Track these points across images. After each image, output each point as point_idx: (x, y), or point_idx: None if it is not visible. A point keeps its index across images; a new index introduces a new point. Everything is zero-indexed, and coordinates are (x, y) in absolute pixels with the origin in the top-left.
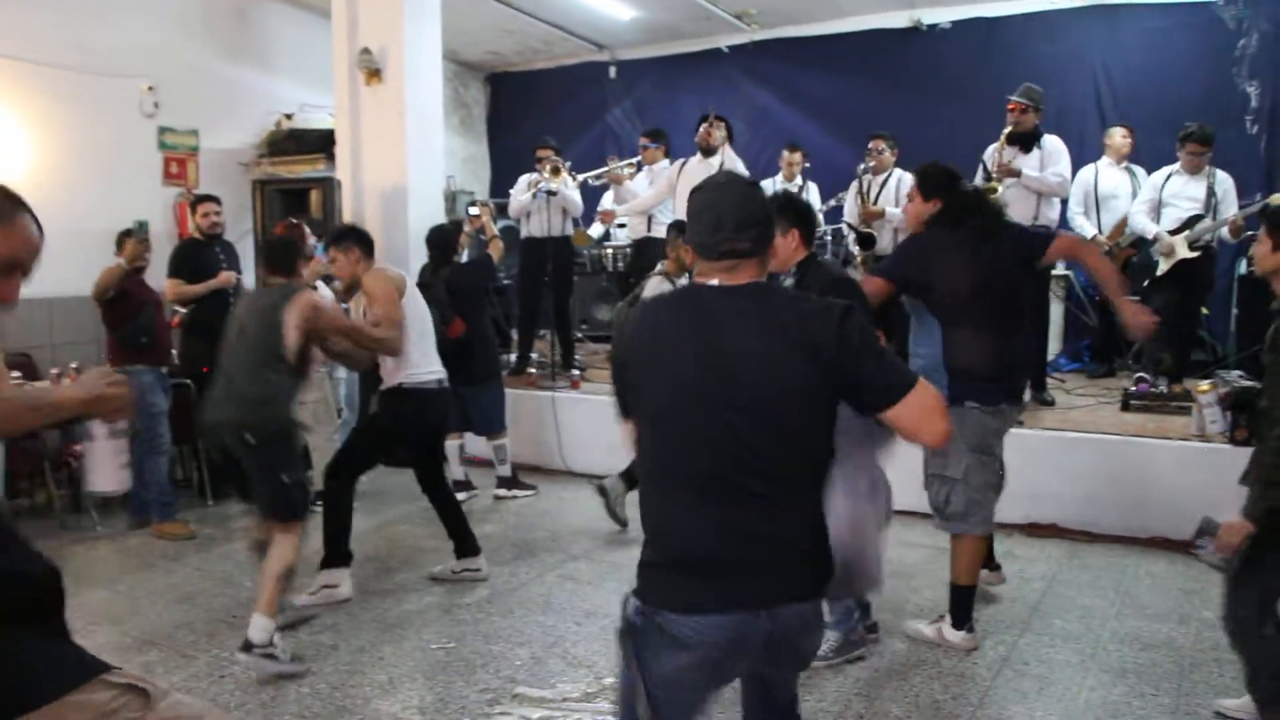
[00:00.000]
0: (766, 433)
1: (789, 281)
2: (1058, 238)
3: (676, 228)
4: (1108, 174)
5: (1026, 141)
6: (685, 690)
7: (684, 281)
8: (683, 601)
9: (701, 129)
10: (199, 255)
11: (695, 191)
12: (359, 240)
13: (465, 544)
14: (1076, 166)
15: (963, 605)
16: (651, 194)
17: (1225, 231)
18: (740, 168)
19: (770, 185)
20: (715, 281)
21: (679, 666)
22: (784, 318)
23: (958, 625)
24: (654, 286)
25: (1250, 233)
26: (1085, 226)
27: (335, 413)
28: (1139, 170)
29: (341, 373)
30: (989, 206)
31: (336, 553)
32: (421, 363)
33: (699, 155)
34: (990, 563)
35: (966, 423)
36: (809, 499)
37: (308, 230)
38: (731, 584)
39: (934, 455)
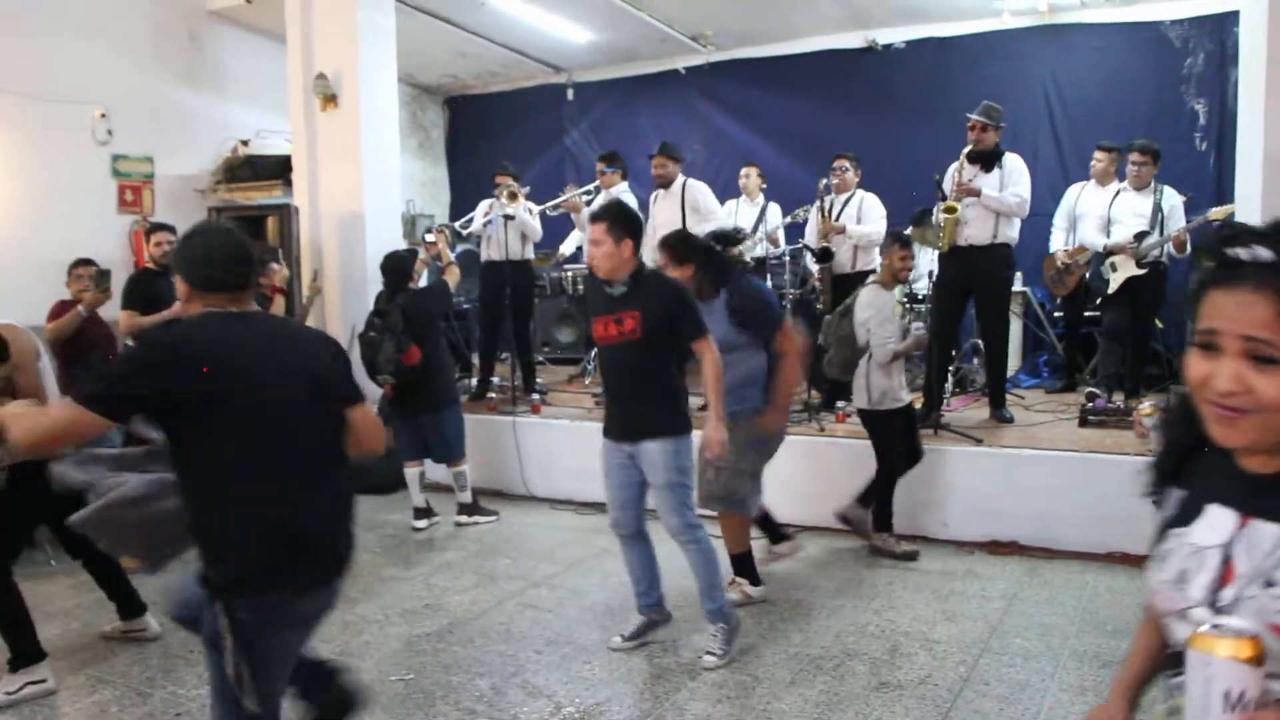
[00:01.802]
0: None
1: (622, 291)
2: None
3: (895, 238)
4: (1090, 195)
5: (988, 160)
6: (289, 661)
7: (897, 292)
8: (304, 582)
9: (652, 166)
10: (153, 285)
11: (189, 236)
12: None
13: (130, 604)
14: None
15: (749, 565)
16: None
17: (1171, 247)
18: (704, 195)
19: (733, 206)
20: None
21: (293, 641)
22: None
23: (755, 583)
24: (869, 295)
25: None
26: (1060, 243)
27: None
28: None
29: None
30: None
31: (21, 651)
32: None
33: (661, 190)
34: (778, 534)
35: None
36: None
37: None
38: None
39: (732, 449)
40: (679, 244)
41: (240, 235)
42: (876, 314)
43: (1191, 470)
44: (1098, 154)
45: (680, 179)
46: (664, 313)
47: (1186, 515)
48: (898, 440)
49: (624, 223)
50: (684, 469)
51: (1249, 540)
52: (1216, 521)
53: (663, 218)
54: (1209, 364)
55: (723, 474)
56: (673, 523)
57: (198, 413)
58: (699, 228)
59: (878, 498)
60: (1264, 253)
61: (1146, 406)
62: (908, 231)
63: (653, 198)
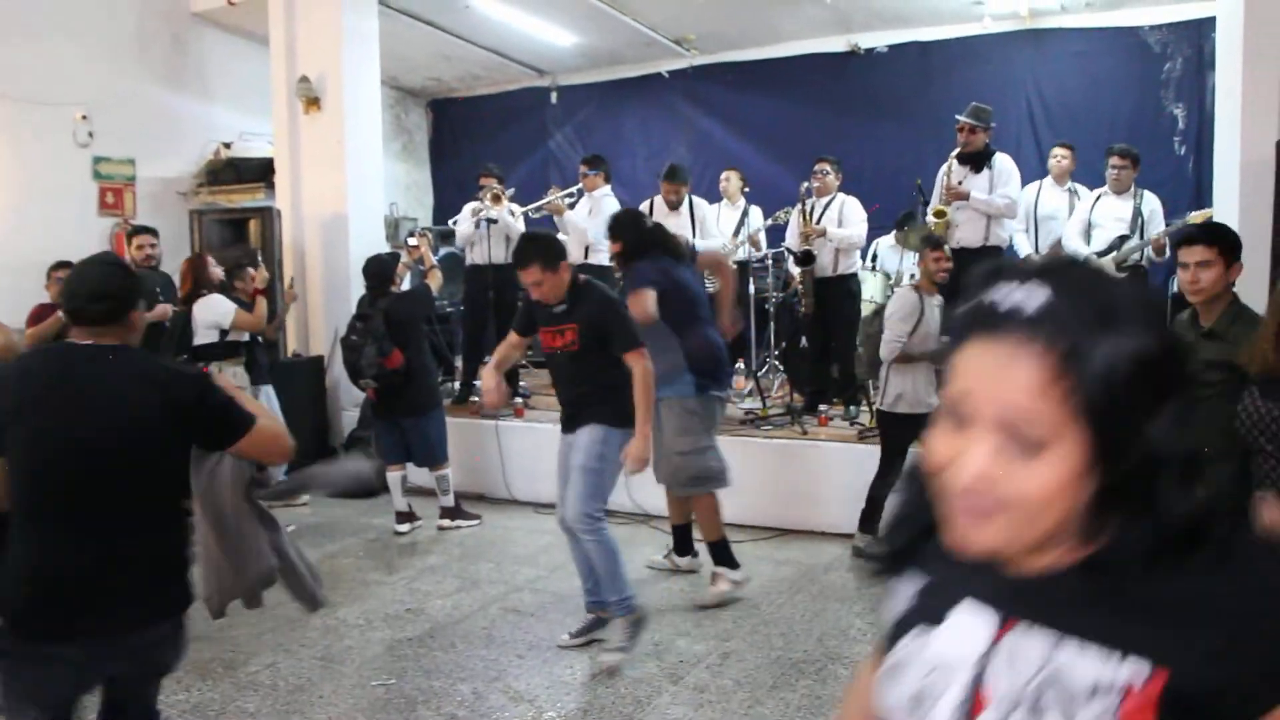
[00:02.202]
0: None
1: (562, 308)
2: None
3: (925, 240)
4: (1048, 194)
5: (977, 161)
6: (46, 701)
7: (938, 298)
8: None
9: (663, 191)
10: None
11: (73, 266)
12: None
13: None
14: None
15: (727, 553)
16: (596, 225)
17: (1151, 251)
18: (710, 216)
19: (715, 210)
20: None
21: (50, 683)
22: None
23: (734, 566)
24: (898, 294)
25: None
26: (1024, 245)
27: None
28: (1083, 190)
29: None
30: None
31: None
32: None
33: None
34: (686, 547)
35: (711, 407)
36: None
37: (211, 261)
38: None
39: (685, 435)
40: (615, 223)
41: (116, 269)
42: (897, 312)
43: (933, 548)
44: (1059, 151)
45: (686, 198)
46: (597, 327)
47: (927, 611)
48: (904, 447)
49: (551, 254)
50: (604, 458)
51: (1010, 653)
52: (967, 625)
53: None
54: (955, 441)
55: (689, 457)
56: (575, 509)
57: None
58: (703, 244)
59: (868, 497)
60: (1031, 299)
61: None
62: (892, 235)
63: (645, 206)
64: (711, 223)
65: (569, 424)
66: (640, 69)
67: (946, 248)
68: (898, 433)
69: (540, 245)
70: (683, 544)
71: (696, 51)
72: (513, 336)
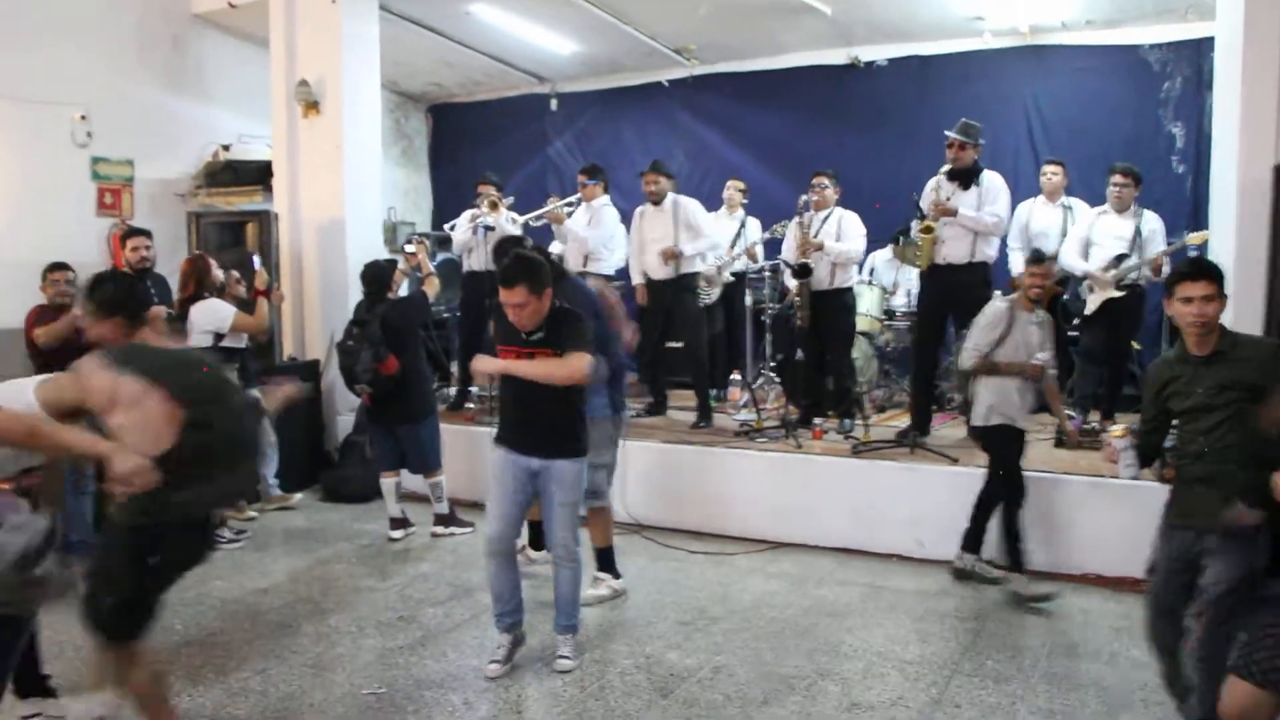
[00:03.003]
0: None
1: (538, 336)
2: None
3: (1032, 256)
4: (1041, 212)
5: (965, 178)
6: None
7: (1037, 314)
8: None
9: (644, 182)
10: None
11: None
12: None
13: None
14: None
15: (611, 561)
16: (595, 235)
17: (1149, 270)
18: (696, 214)
19: (714, 219)
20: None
21: None
22: None
23: (616, 576)
24: (989, 308)
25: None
26: (1017, 262)
27: None
28: (1077, 205)
29: None
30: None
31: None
32: None
33: (650, 205)
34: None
35: (620, 424)
36: None
37: (212, 263)
38: None
39: (595, 449)
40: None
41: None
42: (981, 320)
43: None
44: (1049, 169)
45: (671, 196)
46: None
47: None
48: (1009, 461)
49: (539, 278)
50: (581, 489)
51: None
52: None
53: (655, 234)
54: None
55: (596, 471)
56: (563, 537)
57: None
58: (690, 245)
59: (973, 515)
60: None
61: (1118, 429)
62: (888, 249)
63: (639, 213)
64: (701, 223)
65: (539, 449)
66: (640, 78)
67: (1048, 264)
68: (999, 446)
69: (530, 267)
70: (607, 563)
71: (697, 61)
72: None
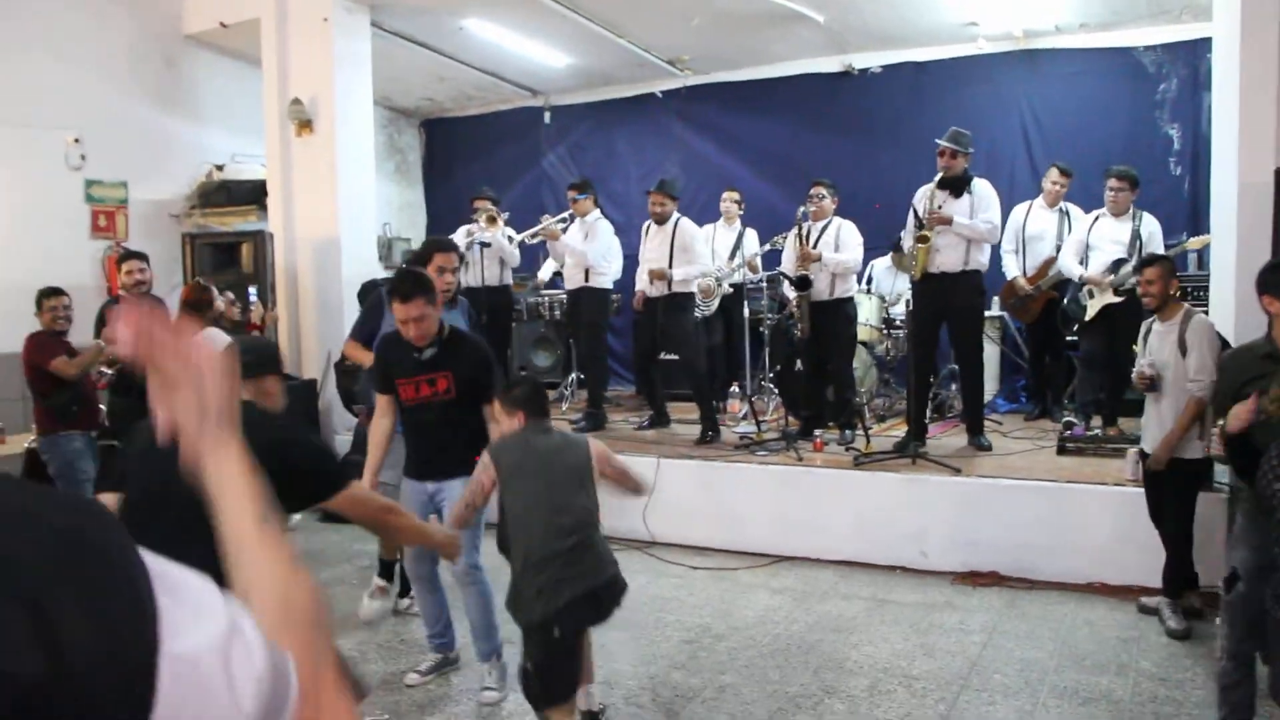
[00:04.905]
0: None
1: (431, 353)
2: None
3: (1144, 260)
4: (1037, 215)
5: (957, 186)
6: None
7: (1156, 322)
8: None
9: (650, 202)
10: None
11: None
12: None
13: None
14: (1006, 207)
15: (391, 570)
16: (593, 249)
17: None
18: (693, 238)
19: (710, 230)
20: None
21: None
22: None
23: (390, 580)
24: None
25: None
26: (1012, 266)
27: None
28: (1075, 210)
29: None
30: None
31: None
32: None
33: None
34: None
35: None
36: None
37: (215, 292)
38: None
39: None
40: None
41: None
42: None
43: None
44: (1056, 176)
45: (674, 216)
46: (473, 376)
47: None
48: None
49: (433, 289)
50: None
51: None
52: None
53: (653, 253)
54: None
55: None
56: (463, 561)
57: None
58: (680, 270)
59: (1170, 550)
60: None
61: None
62: (888, 257)
63: (645, 228)
64: (699, 248)
65: (434, 473)
66: (634, 89)
67: (1151, 269)
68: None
69: (424, 280)
70: (387, 572)
71: (690, 72)
72: (383, 401)
